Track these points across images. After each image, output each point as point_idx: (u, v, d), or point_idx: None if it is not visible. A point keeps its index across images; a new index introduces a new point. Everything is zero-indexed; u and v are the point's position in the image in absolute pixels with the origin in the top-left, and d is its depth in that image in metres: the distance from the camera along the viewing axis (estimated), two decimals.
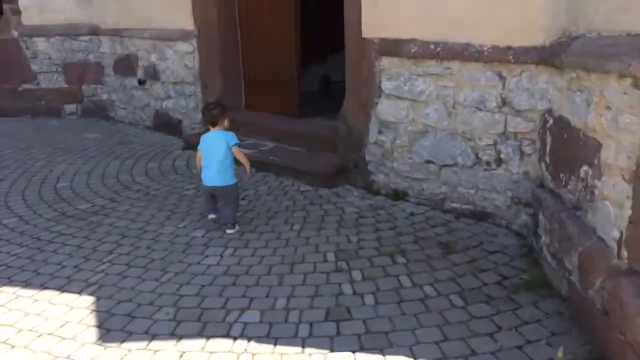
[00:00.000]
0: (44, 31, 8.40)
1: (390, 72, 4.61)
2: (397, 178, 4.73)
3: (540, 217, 3.54)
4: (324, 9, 8.00)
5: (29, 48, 8.49)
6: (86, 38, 8.42)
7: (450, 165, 4.31)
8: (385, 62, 4.64)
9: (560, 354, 2.58)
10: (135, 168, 5.92)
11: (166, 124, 7.47)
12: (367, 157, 5.00)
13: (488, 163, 4.09)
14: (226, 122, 4.24)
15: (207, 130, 4.32)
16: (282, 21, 6.21)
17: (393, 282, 3.41)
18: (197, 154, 4.29)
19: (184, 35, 6.84)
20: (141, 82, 7.69)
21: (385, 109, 4.71)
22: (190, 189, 5.19)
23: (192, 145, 6.51)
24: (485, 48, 3.95)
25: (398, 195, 4.71)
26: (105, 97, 8.55)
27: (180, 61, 7.01)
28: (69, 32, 8.38)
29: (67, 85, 8.56)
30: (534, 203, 3.72)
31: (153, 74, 7.48)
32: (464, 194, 4.27)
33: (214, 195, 4.24)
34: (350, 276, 3.49)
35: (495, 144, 4.02)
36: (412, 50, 4.39)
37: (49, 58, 8.50)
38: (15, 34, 8.48)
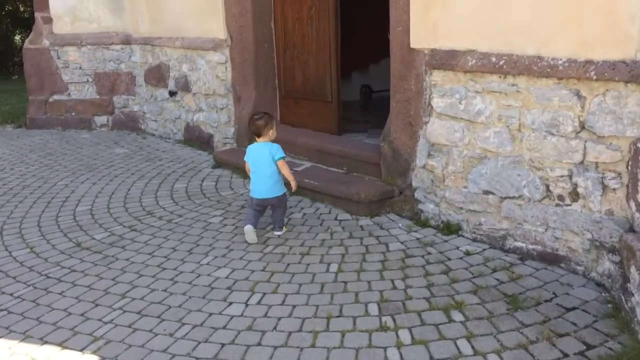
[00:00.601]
0: (75, 40, 8.12)
1: (443, 88, 4.01)
2: (449, 209, 4.13)
3: (633, 270, 2.89)
4: (366, 13, 7.48)
5: (60, 57, 8.22)
6: (118, 47, 8.09)
7: (514, 198, 3.69)
8: (437, 76, 4.05)
9: None
10: (160, 189, 5.49)
11: (197, 138, 7.04)
12: (415, 184, 4.42)
13: (561, 197, 3.45)
14: (271, 133, 4.16)
15: (253, 141, 4.30)
16: (320, 31, 5.68)
17: (450, 348, 2.82)
18: (245, 163, 4.30)
19: (216, 45, 6.40)
20: (172, 94, 7.29)
21: (436, 130, 4.12)
22: (217, 216, 4.71)
23: (222, 163, 6.07)
24: (560, 62, 3.32)
25: (450, 229, 4.10)
26: (136, 108, 8.21)
27: (212, 72, 6.57)
28: (101, 41, 8.08)
29: (98, 96, 8.25)
30: (622, 251, 3.07)
31: (184, 84, 7.06)
32: (530, 232, 3.63)
33: (259, 209, 4.20)
34: (397, 337, 2.92)
35: (570, 176, 3.38)
36: (470, 64, 3.78)
37: (80, 68, 8.21)
38: (46, 43, 8.23)
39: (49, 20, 8.20)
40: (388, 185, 4.68)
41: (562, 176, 3.41)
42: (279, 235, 4.23)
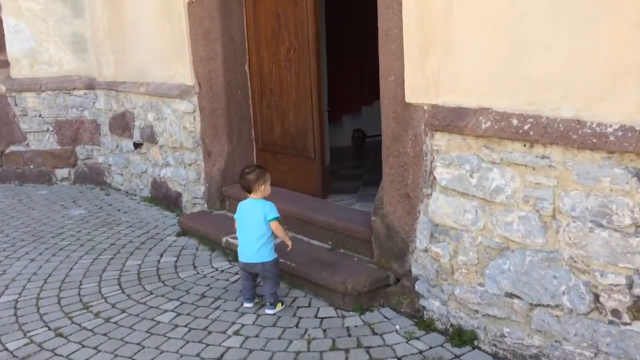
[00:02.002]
0: (34, 85, 7.29)
1: (449, 155, 3.12)
2: (460, 310, 3.19)
3: None
4: (358, 49, 6.67)
5: (18, 104, 7.39)
6: (81, 92, 7.28)
7: (548, 307, 2.75)
8: (441, 140, 3.16)
9: None
10: (108, 268, 4.55)
11: (164, 197, 6.14)
12: (415, 271, 3.49)
13: (616, 313, 2.51)
14: (264, 189, 3.70)
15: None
16: (301, 76, 4.83)
17: None
18: (234, 222, 3.83)
19: (182, 92, 5.54)
20: (137, 145, 6.41)
21: (440, 207, 3.21)
22: (169, 311, 3.76)
23: (187, 231, 5.15)
24: (610, 129, 2.43)
25: (462, 337, 3.15)
26: (101, 160, 7.34)
27: (179, 122, 5.69)
28: (63, 85, 7.25)
29: (59, 147, 7.40)
30: None
31: (150, 135, 6.19)
32: (573, 355, 2.69)
33: (249, 276, 3.72)
34: None
35: (630, 285, 2.45)
36: (483, 126, 2.89)
37: (40, 115, 7.37)
38: (2, 88, 7.40)
39: (5, 64, 7.37)
40: (381, 270, 3.75)
41: (618, 285, 2.48)
42: (272, 314, 3.63)
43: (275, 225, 3.61)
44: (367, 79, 6.90)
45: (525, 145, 2.74)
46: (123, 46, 6.46)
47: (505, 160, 2.84)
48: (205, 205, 5.59)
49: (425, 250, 3.39)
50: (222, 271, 4.40)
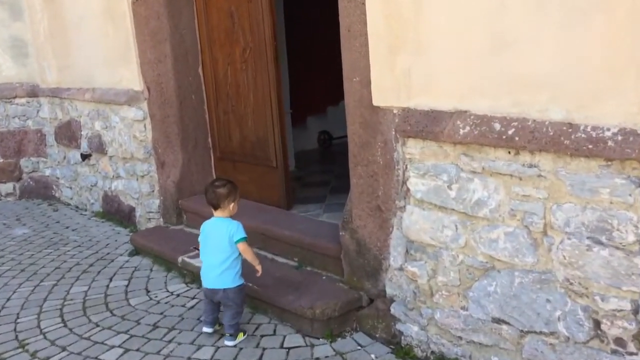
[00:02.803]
0: None
1: (424, 164, 2.78)
2: (441, 336, 2.86)
3: None
4: (322, 47, 6.30)
5: None
6: (23, 100, 6.70)
7: (542, 334, 2.44)
8: (414, 147, 2.82)
9: None
10: (51, 297, 4.09)
11: (117, 211, 5.67)
12: (390, 291, 3.15)
13: (620, 342, 2.21)
14: (232, 207, 3.31)
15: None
16: (258, 78, 4.44)
17: None
18: (199, 244, 3.43)
19: (130, 98, 5.08)
20: (84, 157, 5.92)
21: (416, 222, 2.87)
22: (116, 347, 3.34)
23: (141, 250, 4.71)
24: (609, 133, 2.12)
25: None
26: (48, 172, 6.79)
27: (129, 131, 5.24)
28: (3, 94, 6.66)
29: (1, 160, 6.80)
30: None
31: (98, 145, 5.71)
32: None
33: (212, 301, 3.33)
34: None
35: (635, 311, 2.15)
36: (461, 131, 2.56)
37: None
38: None
39: None
40: (353, 291, 3.40)
41: (622, 310, 2.18)
42: (233, 346, 3.24)
43: (243, 247, 3.24)
44: (332, 77, 6.55)
45: (509, 152, 2.42)
46: (66, 50, 5.95)
47: (487, 170, 2.51)
48: (161, 219, 5.16)
49: (401, 269, 3.06)
50: (177, 295, 3.99)
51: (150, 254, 4.65)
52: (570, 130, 2.22)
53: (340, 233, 3.45)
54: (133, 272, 4.45)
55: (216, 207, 3.28)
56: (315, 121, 7.08)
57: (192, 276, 4.15)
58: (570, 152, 2.20)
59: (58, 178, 6.66)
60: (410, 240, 2.93)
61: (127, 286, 4.20)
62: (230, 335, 3.26)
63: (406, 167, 2.91)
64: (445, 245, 2.74)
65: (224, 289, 3.21)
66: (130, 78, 5.09)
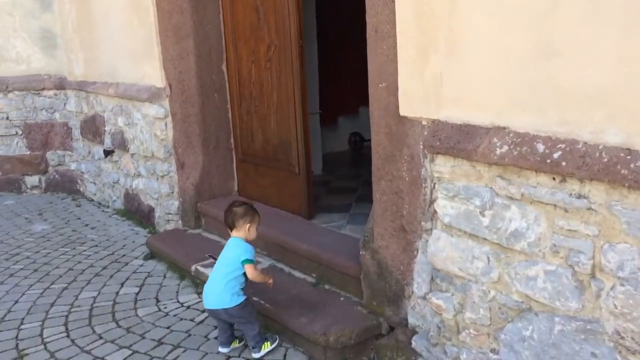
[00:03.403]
0: (1, 85, 6.63)
1: (454, 185, 2.45)
2: None
3: None
4: (355, 44, 5.98)
5: None
6: (51, 93, 6.62)
7: None
8: (444, 165, 2.49)
9: None
10: (59, 302, 3.92)
11: (137, 210, 5.50)
12: (412, 321, 2.84)
13: None
14: (250, 229, 3.15)
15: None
16: (282, 77, 4.17)
17: None
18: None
19: (152, 95, 4.88)
20: (107, 153, 5.77)
21: (443, 249, 2.55)
22: None
23: (156, 254, 4.51)
24: None
25: None
26: (73, 167, 6.70)
27: (150, 129, 5.04)
28: (31, 85, 6.59)
29: (28, 152, 6.75)
30: None
31: (121, 142, 5.55)
32: None
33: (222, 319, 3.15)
34: None
35: None
36: (498, 151, 2.22)
37: (8, 118, 6.71)
38: None
39: None
40: (372, 316, 3.10)
41: None
42: (259, 358, 3.11)
43: (249, 269, 3.06)
44: (365, 77, 6.24)
45: (554, 178, 2.07)
46: (92, 42, 5.81)
47: (527, 197, 2.17)
48: (180, 222, 4.95)
49: (425, 298, 2.74)
50: (188, 307, 3.76)
51: (165, 259, 4.45)
52: (629, 157, 1.86)
53: (361, 252, 3.15)
54: (146, 278, 4.25)
55: (232, 227, 3.15)
56: (346, 122, 6.77)
57: None
58: (629, 183, 1.84)
59: (83, 173, 6.55)
60: (436, 269, 2.61)
61: (137, 293, 4.00)
62: (254, 347, 3.10)
63: (434, 187, 2.58)
64: (475, 279, 2.41)
65: (224, 309, 3.05)
66: (153, 74, 4.89)
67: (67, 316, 3.72)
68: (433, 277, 2.67)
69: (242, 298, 3.07)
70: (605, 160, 1.91)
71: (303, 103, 4.05)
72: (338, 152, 6.62)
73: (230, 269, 3.05)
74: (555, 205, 2.07)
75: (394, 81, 2.69)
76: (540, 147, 2.10)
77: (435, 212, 2.58)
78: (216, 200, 4.80)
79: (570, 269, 2.06)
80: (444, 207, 2.50)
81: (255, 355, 3.09)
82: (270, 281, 3.18)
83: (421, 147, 2.63)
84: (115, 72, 5.49)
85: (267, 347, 3.11)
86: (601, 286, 1.98)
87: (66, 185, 6.74)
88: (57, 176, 6.75)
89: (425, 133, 2.59)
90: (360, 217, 4.14)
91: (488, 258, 2.34)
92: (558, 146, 2.05)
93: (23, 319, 3.71)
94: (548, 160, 2.06)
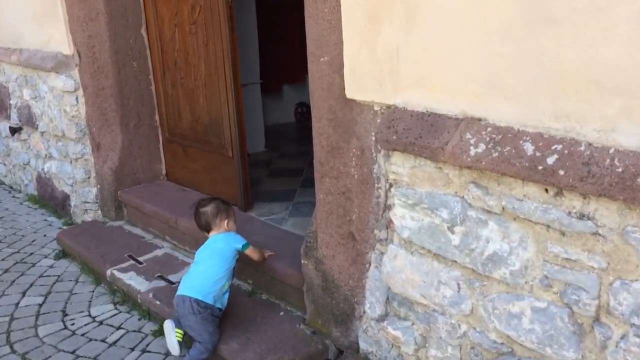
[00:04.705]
0: None
1: (414, 190, 1.92)
2: None
3: None
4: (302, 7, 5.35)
5: None
6: None
7: None
8: (401, 165, 1.95)
9: None
10: None
11: (51, 197, 4.78)
12: (364, 345, 2.35)
13: None
14: (228, 224, 2.82)
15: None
16: (210, 44, 3.51)
17: None
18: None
19: (58, 64, 4.12)
20: (14, 130, 4.99)
21: (401, 269, 2.03)
22: None
23: (69, 252, 3.86)
24: None
25: None
26: None
27: (58, 104, 4.30)
28: None
29: None
30: None
31: (28, 118, 4.77)
32: None
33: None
34: None
35: None
36: (472, 150, 1.69)
37: None
38: None
39: None
40: (317, 338, 2.59)
41: None
42: None
43: (251, 252, 2.81)
44: None
45: (547, 191, 1.56)
46: None
47: (509, 212, 1.66)
48: (99, 212, 4.29)
49: (379, 320, 2.24)
50: (100, 323, 3.16)
51: (78, 259, 3.80)
52: None
53: (303, 261, 2.61)
54: (54, 283, 3.61)
55: (209, 230, 2.82)
56: (292, 91, 6.15)
57: (123, 295, 3.33)
58: None
59: None
60: (393, 293, 2.09)
61: (41, 305, 3.36)
62: None
63: (389, 189, 2.04)
64: (441, 309, 1.91)
65: (193, 299, 2.57)
66: (59, 39, 4.12)
67: None
68: (389, 297, 2.17)
69: (219, 308, 2.65)
70: (620, 170, 1.40)
71: (235, 75, 3.41)
72: (283, 124, 6.02)
73: (222, 266, 2.67)
74: (548, 226, 1.57)
75: (338, 55, 2.11)
76: (529, 148, 1.58)
77: (391, 222, 2.05)
78: (141, 187, 4.16)
79: (566, 308, 1.57)
80: (402, 217, 1.97)
81: None
82: (272, 253, 2.94)
83: (373, 138, 2.08)
84: (18, 37, 4.67)
85: None
86: (608, 334, 1.51)
87: None
88: None
89: (379, 121, 2.04)
90: (306, 207, 3.61)
91: (458, 285, 1.84)
92: (553, 147, 1.54)
93: None
94: (540, 167, 1.54)
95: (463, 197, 1.77)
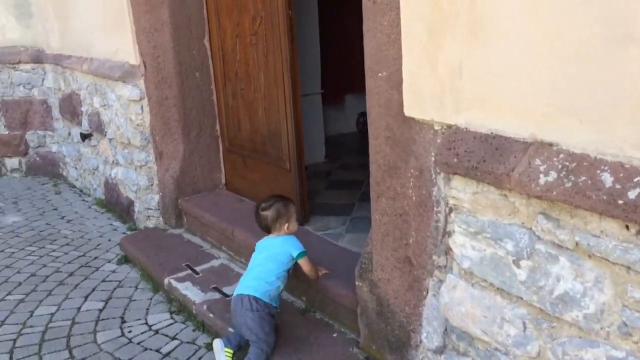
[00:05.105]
0: None
1: (476, 218, 1.78)
2: None
3: None
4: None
5: None
6: (28, 67, 5.99)
7: None
8: (462, 189, 1.82)
9: None
10: (10, 320, 3.35)
11: (117, 203, 4.91)
12: None
13: None
14: (288, 227, 2.81)
15: None
16: (269, 55, 3.48)
17: None
18: None
19: (125, 73, 4.21)
20: (84, 137, 5.17)
21: (460, 302, 1.89)
22: None
23: (130, 258, 3.93)
24: None
25: None
26: (55, 148, 6.12)
27: (125, 112, 4.40)
28: (7, 58, 5.97)
29: (7, 132, 6.17)
30: None
31: (98, 125, 4.93)
32: None
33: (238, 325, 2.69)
34: None
35: None
36: (542, 179, 1.54)
37: None
38: None
39: None
40: None
41: None
42: None
43: (304, 264, 2.75)
44: None
45: (629, 228, 1.39)
46: (66, 10, 5.13)
47: (583, 248, 1.49)
48: (161, 219, 4.35)
49: (436, 352, 2.10)
50: (156, 332, 3.18)
51: (139, 265, 3.86)
52: None
53: (357, 283, 2.51)
54: (115, 289, 3.68)
55: (268, 231, 2.85)
56: (355, 101, 6.04)
57: (179, 305, 3.34)
58: None
59: (64, 156, 5.97)
60: (452, 326, 1.96)
61: (101, 310, 3.43)
62: None
63: (449, 214, 1.91)
64: (505, 348, 1.75)
65: (250, 297, 2.60)
66: (127, 49, 4.21)
67: (15, 340, 3.16)
68: (448, 329, 2.03)
69: (274, 305, 2.67)
70: None
71: (294, 87, 3.36)
72: (345, 134, 5.94)
73: (276, 268, 2.69)
74: (628, 268, 1.40)
75: (396, 70, 2.00)
76: (608, 179, 1.41)
77: (450, 249, 1.92)
78: (200, 196, 4.19)
79: None
80: (463, 246, 1.83)
81: None
82: (327, 272, 2.88)
83: (433, 159, 1.95)
84: (89, 45, 4.84)
85: None
86: None
87: (48, 169, 6.17)
88: (38, 159, 6.18)
89: (439, 141, 1.91)
90: (363, 223, 3.50)
91: (524, 324, 1.68)
92: (636, 180, 1.37)
93: None
94: (620, 201, 1.37)
95: (531, 228, 1.62)
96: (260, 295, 2.61)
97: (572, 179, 1.47)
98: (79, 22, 4.94)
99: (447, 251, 1.97)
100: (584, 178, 1.45)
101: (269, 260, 2.73)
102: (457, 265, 1.88)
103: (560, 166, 1.51)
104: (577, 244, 1.51)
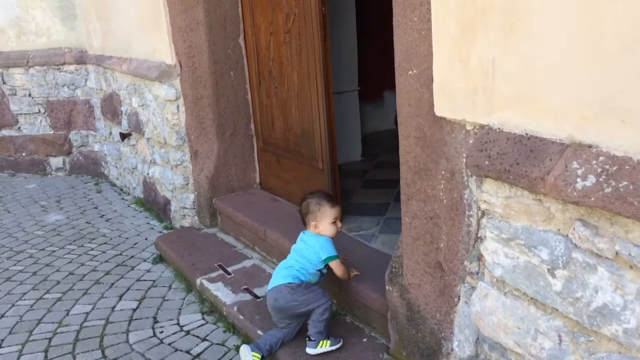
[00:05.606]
0: (22, 60, 6.20)
1: (509, 223, 1.68)
2: None
3: None
4: None
5: (6, 82, 6.34)
6: (72, 67, 6.13)
7: None
8: (494, 193, 1.72)
9: None
10: (47, 319, 3.42)
11: (154, 202, 4.97)
12: None
13: None
14: (318, 227, 2.71)
15: None
16: (303, 53, 3.43)
17: None
18: None
19: (162, 73, 4.24)
20: (123, 136, 5.24)
21: (492, 311, 1.79)
22: None
23: (165, 257, 3.96)
24: None
25: None
26: (97, 148, 6.25)
27: (161, 112, 4.44)
28: (52, 60, 6.13)
29: (52, 132, 6.34)
30: None
31: (136, 125, 4.99)
32: None
33: (278, 318, 2.69)
34: None
35: None
36: (579, 183, 1.43)
37: (30, 95, 6.31)
38: None
39: None
40: None
41: None
42: (313, 355, 2.58)
43: (336, 267, 2.69)
44: None
45: None
46: (107, 11, 5.22)
47: (624, 258, 1.38)
48: (196, 218, 4.37)
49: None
50: (187, 332, 3.18)
51: (173, 265, 3.89)
52: None
53: (387, 287, 2.43)
54: (149, 288, 3.70)
55: (303, 223, 2.79)
56: (393, 97, 5.87)
57: (211, 305, 3.34)
58: None
59: (106, 155, 6.09)
60: (482, 336, 1.86)
61: (135, 310, 3.46)
62: (313, 341, 2.58)
63: (480, 218, 1.82)
64: None
65: (284, 284, 2.60)
66: (163, 49, 4.24)
67: (50, 339, 3.21)
68: (480, 338, 1.93)
69: (315, 289, 2.65)
70: None
71: (326, 86, 3.30)
72: (382, 132, 5.84)
73: (305, 261, 2.67)
74: None
75: (427, 68, 1.91)
76: None
77: (481, 256, 1.82)
78: (234, 195, 4.19)
79: None
80: (495, 252, 1.74)
81: (309, 351, 2.58)
82: (358, 273, 2.82)
83: (464, 161, 1.86)
84: (128, 46, 4.90)
85: (325, 345, 2.58)
86: None
87: (90, 168, 6.31)
88: (80, 158, 6.33)
89: (470, 142, 1.82)
90: (397, 224, 3.38)
91: (560, 337, 1.57)
92: None
93: (3, 339, 3.24)
94: None
95: (567, 236, 1.51)
96: (292, 280, 2.61)
97: (613, 183, 1.36)
98: (119, 23, 5.01)
99: (480, 257, 1.87)
100: (625, 183, 1.34)
101: (300, 256, 2.71)
102: (489, 273, 1.78)
103: (599, 170, 1.40)
104: (617, 253, 1.40)
